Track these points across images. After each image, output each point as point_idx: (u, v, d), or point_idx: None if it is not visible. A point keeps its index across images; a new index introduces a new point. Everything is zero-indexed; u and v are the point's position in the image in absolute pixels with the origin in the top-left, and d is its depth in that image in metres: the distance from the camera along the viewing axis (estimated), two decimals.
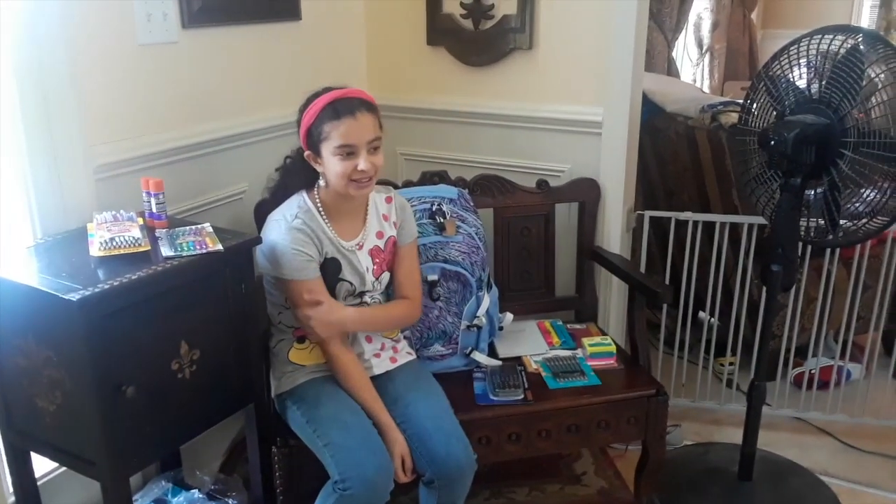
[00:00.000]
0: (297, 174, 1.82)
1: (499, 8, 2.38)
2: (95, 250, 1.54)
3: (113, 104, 1.85)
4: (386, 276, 1.89)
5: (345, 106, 1.69)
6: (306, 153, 1.76)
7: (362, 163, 1.68)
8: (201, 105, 2.07)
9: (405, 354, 1.93)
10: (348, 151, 1.68)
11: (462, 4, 2.42)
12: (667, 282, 2.57)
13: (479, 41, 2.43)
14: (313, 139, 1.72)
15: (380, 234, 1.86)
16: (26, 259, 1.59)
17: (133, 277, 1.45)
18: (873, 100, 1.71)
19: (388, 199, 1.90)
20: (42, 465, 1.80)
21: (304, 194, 1.80)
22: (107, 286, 1.41)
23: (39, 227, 1.76)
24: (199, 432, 1.70)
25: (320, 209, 1.79)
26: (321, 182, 1.78)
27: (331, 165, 1.70)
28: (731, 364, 2.72)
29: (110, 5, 1.80)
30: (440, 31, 2.49)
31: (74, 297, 1.35)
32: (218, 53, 2.10)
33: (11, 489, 1.72)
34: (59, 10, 1.66)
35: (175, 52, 1.97)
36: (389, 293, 1.94)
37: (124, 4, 1.83)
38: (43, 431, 1.57)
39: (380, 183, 1.95)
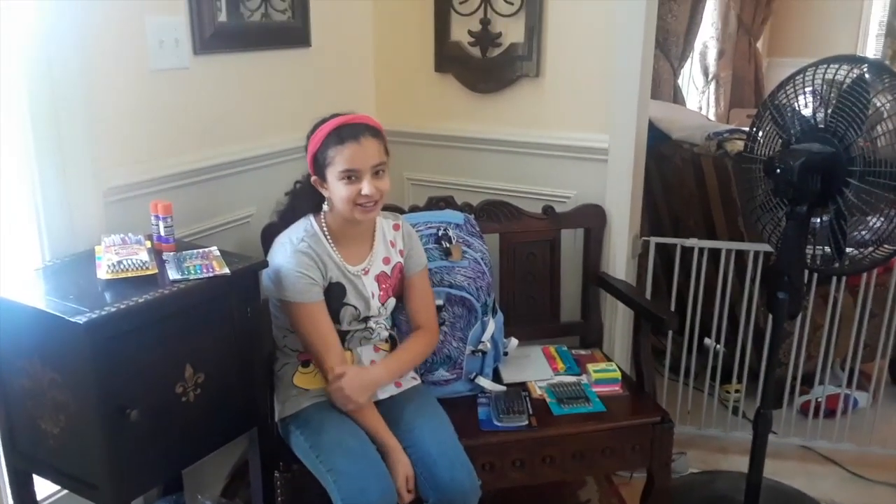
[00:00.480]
0: (305, 198, 1.84)
1: (506, 36, 2.41)
2: (103, 273, 1.55)
3: (124, 128, 1.87)
4: (392, 302, 1.89)
5: (349, 131, 1.70)
6: (313, 178, 1.78)
7: (366, 187, 1.69)
8: (211, 130, 2.09)
9: (410, 379, 1.92)
10: (352, 176, 1.69)
11: (470, 32, 2.45)
12: (672, 308, 2.56)
13: (486, 69, 2.46)
14: (319, 164, 1.74)
15: (386, 260, 1.87)
16: (34, 281, 1.60)
17: (140, 300, 1.46)
18: (879, 129, 1.71)
19: (396, 226, 1.91)
20: (44, 488, 1.79)
21: (311, 218, 1.82)
22: (113, 309, 1.41)
23: (48, 249, 1.76)
24: (203, 456, 1.69)
25: (326, 233, 1.80)
26: (326, 207, 1.80)
27: (336, 190, 1.72)
28: (737, 391, 2.71)
29: (123, 31, 1.82)
30: (448, 59, 2.51)
31: (81, 319, 1.36)
32: (228, 79, 2.12)
33: None
34: (71, 33, 1.68)
35: (186, 77, 1.99)
36: (395, 319, 1.94)
37: (137, 30, 1.85)
38: (46, 454, 1.56)
39: (387, 209, 1.97)
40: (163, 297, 1.50)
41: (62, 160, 1.73)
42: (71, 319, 1.36)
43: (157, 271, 1.59)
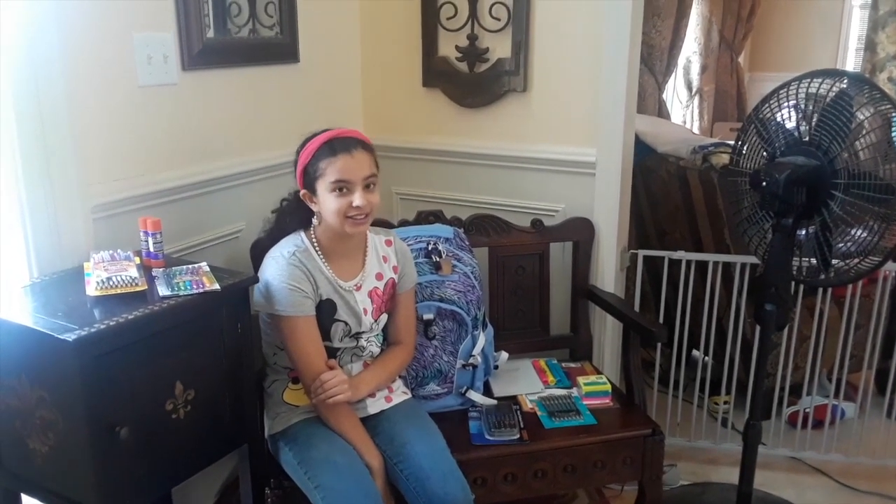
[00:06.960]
0: (292, 215, 1.83)
1: (493, 51, 2.42)
2: (92, 290, 1.54)
3: (112, 144, 1.86)
4: (384, 318, 1.89)
5: (341, 144, 1.71)
6: (302, 192, 1.77)
7: (357, 199, 1.69)
8: (200, 145, 2.09)
9: (400, 394, 1.92)
10: (344, 187, 1.69)
11: (457, 48, 2.46)
12: (661, 320, 2.58)
13: (474, 83, 2.47)
14: (309, 177, 1.74)
15: (379, 276, 1.86)
16: (22, 298, 1.58)
17: (129, 317, 1.45)
18: (862, 141, 1.74)
19: (388, 242, 1.91)
20: None
21: (302, 234, 1.81)
22: (102, 326, 1.40)
23: (36, 266, 1.74)
24: (193, 473, 1.67)
25: (317, 248, 1.80)
26: (315, 222, 1.79)
27: (326, 202, 1.72)
28: (725, 403, 2.72)
29: (111, 47, 1.82)
30: (436, 74, 2.53)
31: (70, 337, 1.35)
32: (217, 95, 2.12)
33: None
34: (57, 49, 1.67)
35: (175, 93, 1.99)
36: (385, 334, 1.94)
37: (125, 46, 1.85)
38: (34, 473, 1.54)
39: (377, 223, 1.97)
40: (152, 313, 1.49)
41: (49, 176, 1.71)
42: (59, 337, 1.35)
43: (146, 287, 1.58)
